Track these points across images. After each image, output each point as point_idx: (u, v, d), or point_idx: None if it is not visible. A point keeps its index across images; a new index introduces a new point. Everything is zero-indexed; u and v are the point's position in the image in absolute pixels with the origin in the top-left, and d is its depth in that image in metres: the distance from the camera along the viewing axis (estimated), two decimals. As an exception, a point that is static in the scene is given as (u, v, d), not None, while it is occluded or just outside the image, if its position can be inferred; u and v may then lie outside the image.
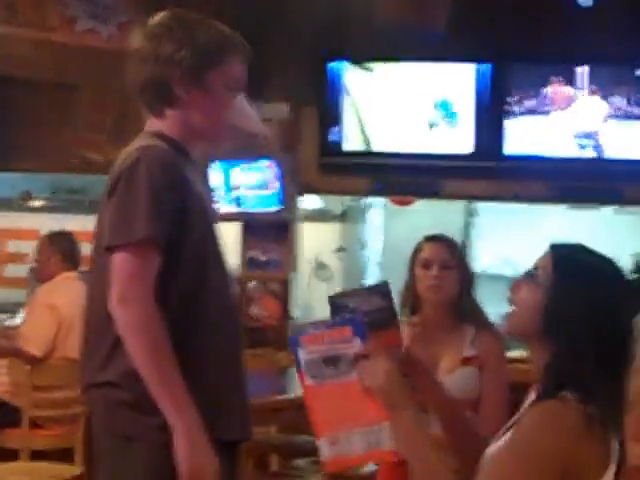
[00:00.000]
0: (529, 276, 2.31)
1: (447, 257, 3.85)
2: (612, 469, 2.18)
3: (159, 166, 2.74)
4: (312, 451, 5.52)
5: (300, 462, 5.44)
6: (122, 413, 2.78)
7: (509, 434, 2.22)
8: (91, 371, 2.84)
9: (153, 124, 2.92)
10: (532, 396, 2.31)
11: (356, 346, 2.49)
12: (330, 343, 2.54)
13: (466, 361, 3.74)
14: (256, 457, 5.75)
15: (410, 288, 3.90)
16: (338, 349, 2.52)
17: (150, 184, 2.70)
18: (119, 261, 2.68)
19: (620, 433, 2.20)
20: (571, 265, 2.30)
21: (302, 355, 2.53)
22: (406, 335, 3.79)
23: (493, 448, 2.27)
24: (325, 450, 2.53)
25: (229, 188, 7.29)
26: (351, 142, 7.21)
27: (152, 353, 2.65)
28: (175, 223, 2.72)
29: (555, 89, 6.95)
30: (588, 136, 6.95)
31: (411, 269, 3.91)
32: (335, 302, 2.67)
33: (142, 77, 2.87)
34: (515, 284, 2.34)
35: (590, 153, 6.97)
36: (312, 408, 2.54)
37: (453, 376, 3.67)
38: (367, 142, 7.20)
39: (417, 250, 3.91)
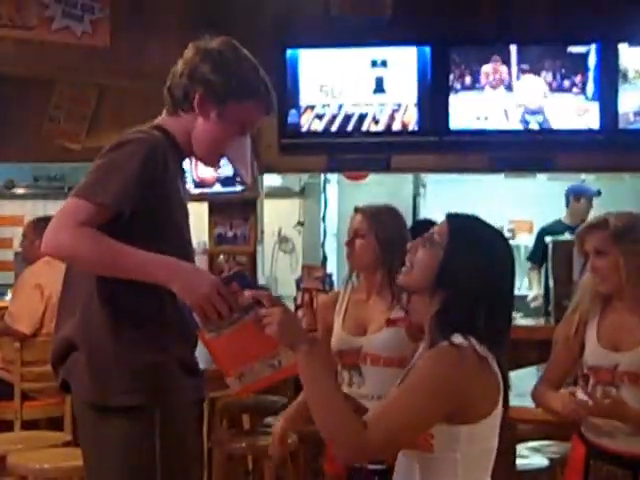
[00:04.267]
0: (426, 239, 2.41)
1: (360, 226, 3.80)
2: (501, 398, 2.34)
3: (146, 151, 2.77)
4: (280, 409, 5.55)
5: (270, 420, 5.45)
6: (89, 385, 2.81)
7: (407, 379, 2.32)
8: (60, 335, 2.89)
9: (162, 119, 2.99)
10: (421, 348, 2.44)
11: (245, 296, 2.56)
12: None
13: (391, 322, 3.70)
14: (229, 417, 5.76)
15: None
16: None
17: (131, 162, 2.74)
18: (72, 204, 2.72)
19: (505, 367, 2.36)
20: (464, 231, 2.41)
21: (197, 317, 2.63)
22: (345, 300, 3.81)
23: (390, 394, 2.35)
24: (235, 385, 2.60)
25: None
26: (308, 124, 7.17)
27: (97, 256, 2.68)
28: (140, 209, 2.75)
29: (491, 67, 6.96)
30: (524, 110, 6.97)
31: None
32: None
33: (175, 81, 2.95)
34: (412, 245, 2.45)
35: (528, 125, 6.98)
36: (216, 356, 2.64)
37: (379, 335, 3.66)
38: (322, 123, 7.16)
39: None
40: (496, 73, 6.96)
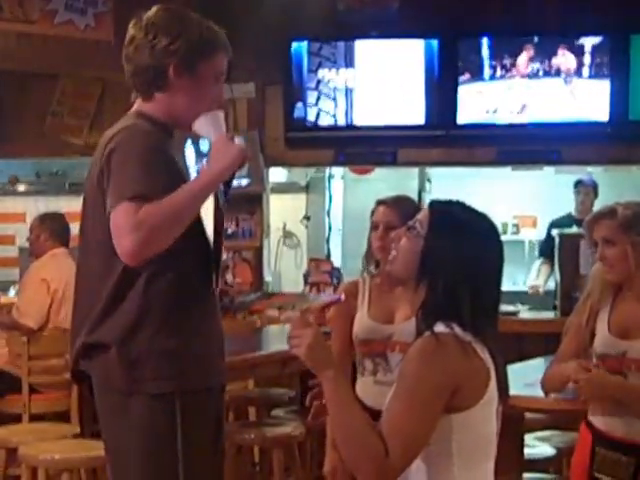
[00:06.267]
0: (409, 228, 2.45)
1: (391, 219, 3.80)
2: (493, 374, 2.36)
3: (143, 138, 2.85)
4: (287, 402, 5.60)
5: (277, 412, 5.52)
6: (115, 371, 2.88)
7: (400, 383, 2.35)
8: (85, 332, 2.93)
9: (140, 106, 3.02)
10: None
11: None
12: None
13: None
14: (236, 409, 5.85)
15: (369, 248, 3.93)
16: None
17: (144, 152, 2.81)
18: (120, 211, 2.75)
19: (498, 355, 2.38)
20: (445, 219, 2.43)
21: None
22: (367, 289, 3.85)
23: (390, 403, 2.39)
24: None
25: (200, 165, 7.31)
26: (314, 117, 7.24)
27: (169, 220, 2.79)
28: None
29: (499, 60, 7.02)
30: (532, 103, 7.03)
31: (369, 231, 3.94)
32: None
33: (136, 64, 2.97)
34: (396, 235, 2.49)
35: (532, 118, 7.04)
36: None
37: (409, 323, 3.69)
38: (329, 117, 7.23)
39: (371, 214, 3.93)
40: (504, 66, 7.02)
